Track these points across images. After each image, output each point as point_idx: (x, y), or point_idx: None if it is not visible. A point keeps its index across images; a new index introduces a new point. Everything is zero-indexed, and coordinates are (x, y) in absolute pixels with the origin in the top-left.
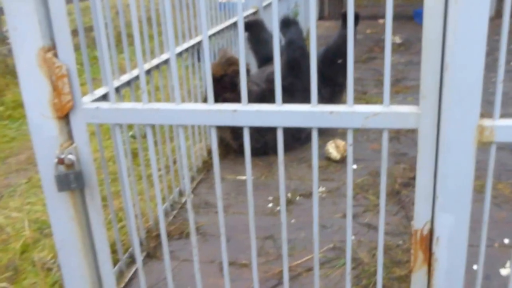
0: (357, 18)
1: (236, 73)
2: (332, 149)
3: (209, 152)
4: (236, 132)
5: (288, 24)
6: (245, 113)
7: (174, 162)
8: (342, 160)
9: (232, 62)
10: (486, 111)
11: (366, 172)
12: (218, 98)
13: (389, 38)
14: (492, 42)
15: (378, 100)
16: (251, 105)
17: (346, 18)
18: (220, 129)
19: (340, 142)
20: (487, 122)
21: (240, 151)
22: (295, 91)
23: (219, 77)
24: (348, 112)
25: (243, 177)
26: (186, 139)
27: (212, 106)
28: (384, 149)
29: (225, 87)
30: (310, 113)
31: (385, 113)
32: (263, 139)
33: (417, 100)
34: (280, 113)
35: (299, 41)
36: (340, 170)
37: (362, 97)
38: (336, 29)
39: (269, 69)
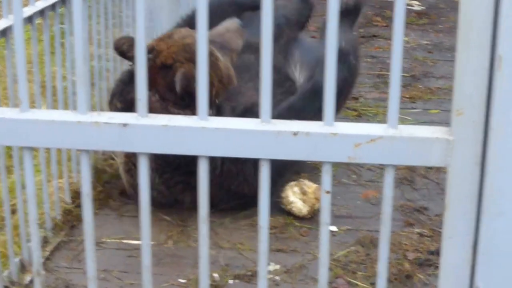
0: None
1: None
2: (295, 197)
3: (76, 195)
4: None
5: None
6: (142, 130)
7: (13, 212)
8: (312, 217)
9: (192, 53)
10: None
11: (354, 240)
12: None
13: (402, 2)
14: None
15: (378, 112)
16: (154, 117)
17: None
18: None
19: (309, 186)
20: None
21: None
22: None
23: (162, 67)
24: (325, 135)
25: (136, 242)
26: (35, 172)
27: (85, 116)
28: (386, 200)
29: (169, 93)
30: (257, 134)
31: (391, 138)
32: (182, 179)
33: (447, 115)
34: (204, 133)
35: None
36: (308, 235)
37: (351, 106)
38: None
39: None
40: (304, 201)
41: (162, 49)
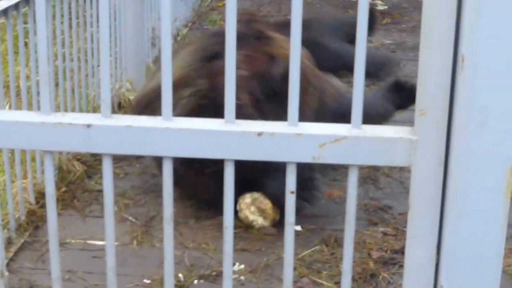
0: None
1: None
2: (254, 216)
3: (40, 196)
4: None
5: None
6: (106, 130)
7: None
8: (275, 225)
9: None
10: None
11: (318, 239)
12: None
13: (365, 3)
14: None
15: None
16: (118, 118)
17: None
18: None
19: (266, 204)
20: None
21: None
22: None
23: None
24: (290, 135)
25: (100, 243)
26: None
27: (48, 117)
28: (350, 199)
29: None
30: (221, 134)
31: (354, 138)
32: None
33: (411, 114)
34: (168, 134)
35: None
36: (273, 235)
37: None
38: None
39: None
40: (264, 218)
41: (275, 37)
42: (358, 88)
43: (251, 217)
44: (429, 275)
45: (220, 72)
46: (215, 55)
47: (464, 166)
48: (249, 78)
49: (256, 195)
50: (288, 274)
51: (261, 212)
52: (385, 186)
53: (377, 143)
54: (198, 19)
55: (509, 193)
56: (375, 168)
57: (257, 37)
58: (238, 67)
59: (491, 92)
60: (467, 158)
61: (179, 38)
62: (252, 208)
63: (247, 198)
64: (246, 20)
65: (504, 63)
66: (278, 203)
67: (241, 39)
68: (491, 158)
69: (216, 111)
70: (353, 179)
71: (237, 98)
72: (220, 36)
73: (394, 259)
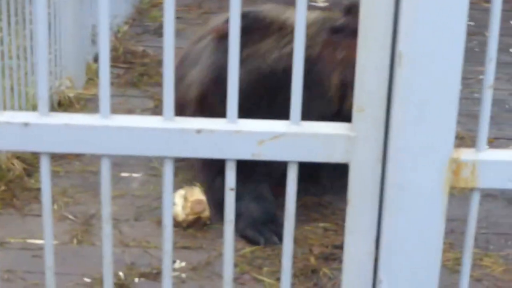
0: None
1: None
2: (178, 200)
3: None
4: None
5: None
6: (44, 129)
7: None
8: (188, 225)
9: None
10: (468, 134)
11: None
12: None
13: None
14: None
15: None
16: (56, 116)
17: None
18: None
19: (193, 195)
20: (466, 154)
21: None
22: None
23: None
24: (229, 132)
25: (40, 242)
26: None
27: None
28: (290, 196)
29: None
30: (161, 132)
31: (293, 134)
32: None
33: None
34: (106, 132)
35: None
36: (215, 232)
37: None
38: None
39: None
40: (183, 207)
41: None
42: (297, 84)
43: (176, 200)
44: (368, 270)
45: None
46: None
47: (402, 162)
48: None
49: (196, 187)
50: (228, 271)
51: (184, 200)
52: (325, 182)
53: (316, 139)
54: (139, 16)
55: (447, 188)
56: None
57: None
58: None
59: (428, 88)
60: (405, 154)
61: (119, 35)
62: (182, 192)
63: (189, 187)
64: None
65: (441, 59)
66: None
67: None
68: (428, 154)
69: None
70: (292, 175)
71: None
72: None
73: (335, 254)
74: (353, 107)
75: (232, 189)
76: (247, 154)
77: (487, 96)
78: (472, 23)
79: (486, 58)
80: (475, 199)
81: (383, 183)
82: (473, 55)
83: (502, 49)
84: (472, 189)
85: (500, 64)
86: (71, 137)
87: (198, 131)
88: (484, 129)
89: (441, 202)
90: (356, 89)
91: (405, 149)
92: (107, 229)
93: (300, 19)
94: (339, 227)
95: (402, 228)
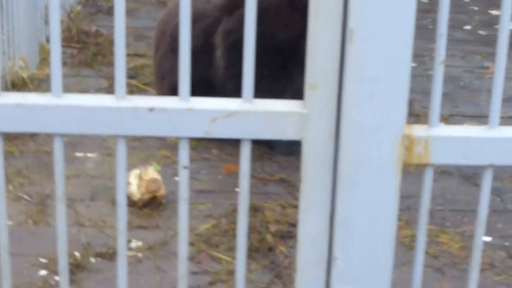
0: None
1: None
2: (133, 179)
3: None
4: None
5: None
6: None
7: None
8: (144, 205)
9: None
10: (424, 111)
11: (217, 214)
12: None
13: None
14: None
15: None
16: (8, 96)
17: None
18: None
19: (147, 174)
20: (419, 130)
21: None
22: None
23: None
24: (182, 110)
25: None
26: None
27: None
28: (244, 173)
29: None
30: (113, 110)
31: (246, 112)
32: None
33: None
34: (58, 111)
35: None
36: (171, 211)
37: None
38: None
39: None
40: (138, 187)
41: None
42: (248, 61)
43: (131, 179)
44: (323, 247)
45: None
46: None
47: (354, 138)
48: None
49: (151, 166)
50: (182, 249)
51: (140, 179)
52: (281, 160)
53: (268, 117)
54: None
55: (400, 164)
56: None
57: None
58: None
59: (379, 65)
60: (357, 130)
61: (72, 15)
62: (137, 171)
63: (136, 170)
64: None
65: (392, 36)
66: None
67: None
68: (380, 129)
69: None
70: (245, 153)
71: None
72: None
73: (291, 232)
74: (305, 84)
75: (185, 167)
76: (200, 132)
77: (439, 72)
78: (426, 1)
79: (437, 34)
80: (429, 175)
81: (337, 160)
82: (427, 32)
83: (456, 26)
84: (425, 165)
85: (454, 41)
86: (24, 116)
87: (150, 109)
88: (436, 105)
89: (394, 178)
90: (308, 66)
91: (357, 125)
92: (61, 208)
93: None
94: (296, 205)
95: (356, 205)
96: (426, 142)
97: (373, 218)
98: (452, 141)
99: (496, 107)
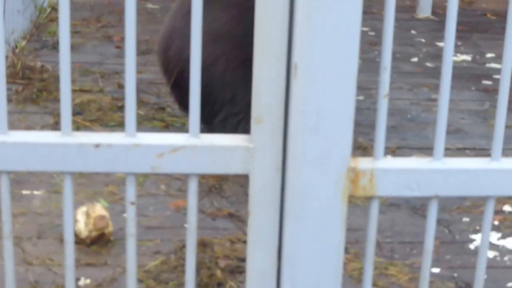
0: None
1: None
2: (81, 216)
3: None
4: None
5: None
6: None
7: None
8: (92, 242)
9: None
10: (371, 144)
11: (166, 250)
12: None
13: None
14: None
15: (186, 123)
16: None
17: None
18: None
19: (94, 211)
20: (364, 163)
21: None
22: None
23: None
24: (128, 146)
25: None
26: None
27: None
28: (191, 209)
29: None
30: (58, 147)
31: (192, 147)
32: None
33: None
34: (4, 148)
35: None
36: (118, 246)
37: (159, 117)
38: None
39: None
40: (86, 224)
41: None
42: (194, 95)
43: (78, 217)
44: (271, 280)
45: None
46: None
47: (300, 171)
48: None
49: (97, 203)
50: (131, 286)
51: (87, 216)
52: (230, 195)
53: (215, 151)
54: (37, 31)
55: (345, 196)
56: (220, 177)
57: None
58: None
59: (323, 98)
60: (303, 163)
61: (17, 51)
62: (84, 209)
63: (83, 208)
64: None
65: (336, 70)
66: None
67: None
68: (325, 162)
69: None
70: (192, 188)
71: None
72: None
73: (241, 267)
74: (251, 119)
75: (133, 203)
76: (146, 168)
77: (383, 105)
78: (373, 33)
79: (380, 67)
80: (374, 207)
81: (283, 192)
82: (374, 65)
83: (403, 58)
84: (371, 197)
85: (402, 74)
86: None
87: (96, 146)
88: (381, 138)
89: (340, 211)
90: (253, 100)
91: (303, 158)
92: (8, 246)
93: None
94: (245, 240)
95: (303, 238)
96: (371, 174)
97: (320, 251)
98: (396, 173)
99: (440, 139)
